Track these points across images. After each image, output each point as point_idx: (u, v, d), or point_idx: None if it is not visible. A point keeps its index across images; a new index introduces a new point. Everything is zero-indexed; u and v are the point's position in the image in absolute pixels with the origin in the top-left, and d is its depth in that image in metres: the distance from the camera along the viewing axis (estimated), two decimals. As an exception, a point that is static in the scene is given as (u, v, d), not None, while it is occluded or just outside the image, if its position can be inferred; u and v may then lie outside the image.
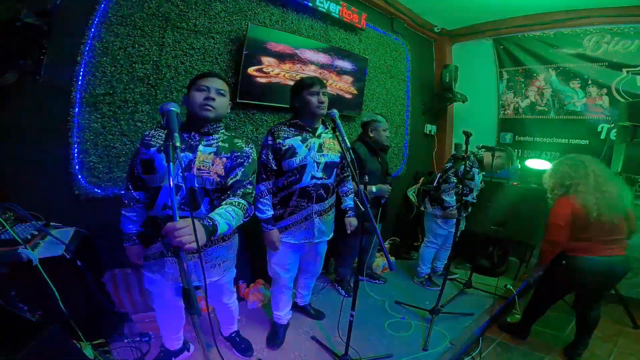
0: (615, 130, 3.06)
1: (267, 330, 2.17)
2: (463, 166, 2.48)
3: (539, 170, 3.45)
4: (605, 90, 3.38)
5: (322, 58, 2.85)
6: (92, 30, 1.85)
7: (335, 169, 1.93)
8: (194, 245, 1.00)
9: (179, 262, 0.97)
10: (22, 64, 1.59)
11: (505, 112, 4.09)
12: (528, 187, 3.28)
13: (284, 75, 2.61)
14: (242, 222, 1.33)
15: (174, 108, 1.10)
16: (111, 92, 1.96)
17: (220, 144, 1.44)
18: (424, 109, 4.32)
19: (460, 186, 2.57)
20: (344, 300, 2.19)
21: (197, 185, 1.38)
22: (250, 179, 1.44)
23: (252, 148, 1.50)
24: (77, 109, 1.86)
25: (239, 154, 1.44)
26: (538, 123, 3.86)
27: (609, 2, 3.14)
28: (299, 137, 1.81)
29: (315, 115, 1.81)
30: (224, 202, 1.33)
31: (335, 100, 2.92)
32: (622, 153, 2.59)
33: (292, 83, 2.56)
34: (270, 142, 1.79)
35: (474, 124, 3.92)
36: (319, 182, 1.84)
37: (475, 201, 2.90)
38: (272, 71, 2.54)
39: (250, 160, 1.46)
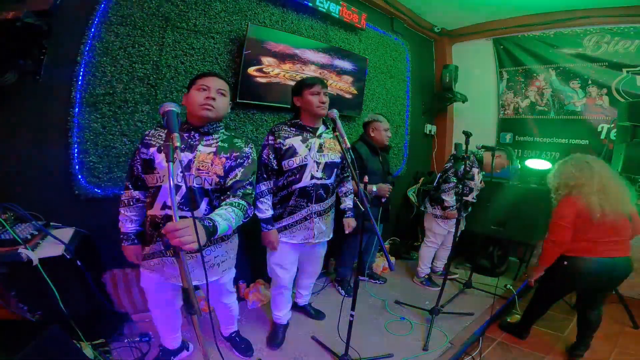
0: (615, 130, 3.06)
1: (267, 330, 2.17)
2: (463, 166, 2.48)
3: (539, 170, 3.45)
4: (605, 90, 3.38)
5: (322, 58, 2.85)
6: (92, 30, 1.85)
7: (336, 169, 1.93)
8: (193, 245, 1.00)
9: (178, 262, 0.97)
10: (22, 64, 1.60)
11: (505, 112, 4.09)
12: (528, 187, 3.28)
13: (284, 75, 2.61)
14: (241, 222, 1.33)
15: (174, 108, 1.10)
16: (111, 92, 1.96)
17: (219, 144, 1.43)
18: (424, 109, 4.32)
19: (460, 186, 2.58)
20: (344, 300, 2.18)
21: (196, 185, 1.38)
22: (250, 179, 1.44)
23: (251, 148, 1.49)
24: (77, 109, 1.86)
25: (238, 154, 1.44)
26: (538, 123, 3.86)
27: (609, 2, 3.14)
28: (300, 137, 1.81)
29: (316, 115, 1.81)
30: (224, 202, 1.32)
31: (335, 100, 2.92)
32: (622, 153, 2.59)
33: (292, 83, 2.57)
34: (271, 142, 1.79)
35: (474, 124, 3.92)
36: (318, 182, 1.84)
37: (475, 201, 2.90)
38: (272, 71, 2.54)
39: (250, 160, 1.46)
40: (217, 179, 1.39)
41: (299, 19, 2.82)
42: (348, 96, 3.15)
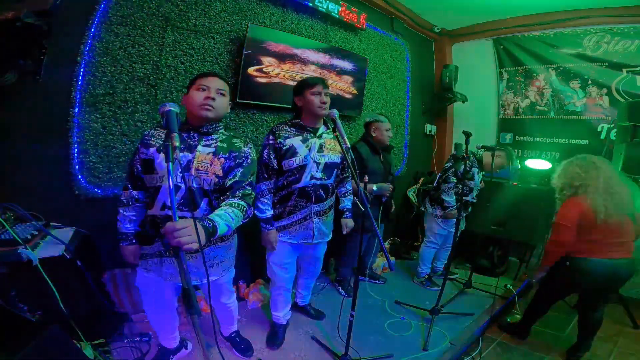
0: (615, 130, 3.06)
1: (267, 330, 2.17)
2: (463, 166, 2.48)
3: (539, 170, 3.45)
4: (605, 90, 3.38)
5: (322, 58, 2.85)
6: (92, 30, 1.85)
7: (336, 170, 1.93)
8: (192, 245, 1.00)
9: (178, 262, 0.97)
10: (22, 64, 1.59)
11: (505, 112, 4.09)
12: (528, 187, 3.28)
13: (284, 75, 2.61)
14: (241, 223, 1.32)
15: (173, 108, 1.10)
16: (111, 92, 1.96)
17: (219, 144, 1.43)
18: (424, 109, 4.32)
19: (460, 186, 2.57)
20: (344, 300, 2.18)
21: (195, 185, 1.38)
22: (250, 179, 1.43)
23: (250, 148, 1.49)
24: (77, 109, 1.86)
25: (237, 154, 1.43)
26: (538, 123, 3.86)
27: (609, 2, 3.14)
28: (300, 137, 1.81)
29: (317, 115, 1.80)
30: (223, 203, 1.32)
31: (335, 100, 2.91)
32: (622, 153, 2.59)
33: (292, 83, 2.57)
34: (271, 142, 1.79)
35: (474, 124, 3.93)
36: (318, 182, 1.84)
37: (475, 201, 2.90)
38: (272, 71, 2.54)
39: (249, 160, 1.45)
40: (216, 180, 1.39)
41: (299, 19, 2.82)
42: (348, 96, 3.15)
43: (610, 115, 3.35)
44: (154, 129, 1.46)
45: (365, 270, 2.95)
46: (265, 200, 1.81)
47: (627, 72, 3.23)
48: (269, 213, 1.82)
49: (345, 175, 2.06)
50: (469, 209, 2.95)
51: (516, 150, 3.89)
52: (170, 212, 1.23)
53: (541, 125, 3.83)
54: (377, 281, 3.05)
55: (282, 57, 2.58)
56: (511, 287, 2.92)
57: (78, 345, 1.52)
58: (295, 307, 2.43)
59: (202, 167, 1.38)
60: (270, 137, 1.80)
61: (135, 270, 1.58)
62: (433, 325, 2.26)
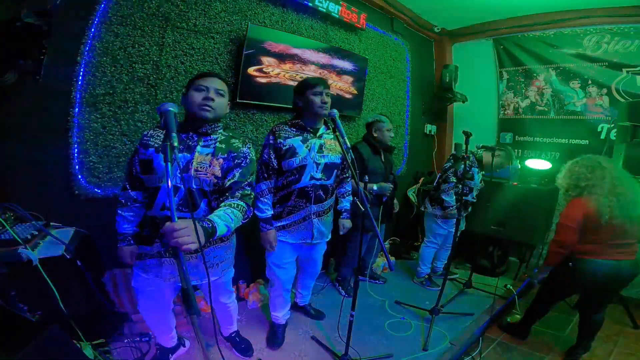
0: (615, 130, 3.06)
1: (267, 330, 2.17)
2: (463, 166, 2.48)
3: (539, 170, 3.45)
4: (605, 90, 3.38)
5: (322, 58, 2.85)
6: (92, 30, 1.85)
7: (336, 170, 1.93)
8: (191, 246, 1.00)
9: (177, 262, 0.97)
10: (22, 64, 1.59)
11: (505, 112, 4.09)
12: (528, 187, 3.28)
13: (284, 75, 2.61)
14: (240, 224, 1.32)
15: (172, 108, 1.10)
16: (111, 92, 1.96)
17: (217, 144, 1.42)
18: (424, 109, 4.32)
19: (460, 186, 2.58)
20: (344, 300, 2.18)
21: (194, 186, 1.37)
22: (249, 180, 1.43)
23: (249, 148, 1.48)
24: (77, 109, 1.86)
25: (236, 154, 1.43)
26: (538, 123, 3.86)
27: (609, 2, 3.14)
28: (300, 137, 1.81)
29: (318, 115, 1.80)
30: (223, 203, 1.31)
31: (335, 100, 2.91)
32: (622, 153, 2.59)
33: (292, 83, 2.58)
34: (271, 142, 1.79)
35: (474, 124, 3.92)
36: (317, 182, 1.84)
37: (475, 201, 2.90)
38: (272, 71, 2.54)
39: (247, 161, 1.45)
40: (215, 180, 1.39)
41: (299, 19, 2.82)
42: (348, 96, 3.15)
43: (610, 115, 3.35)
44: (152, 129, 1.46)
45: (365, 271, 2.95)
46: (265, 199, 1.81)
47: (627, 72, 3.23)
48: (269, 213, 1.82)
49: (344, 175, 2.06)
50: (469, 209, 2.95)
51: (516, 150, 3.89)
52: (169, 213, 1.23)
53: (541, 125, 3.83)
54: (377, 281, 3.05)
55: (282, 57, 2.58)
56: (511, 287, 2.92)
57: (78, 345, 1.53)
58: (295, 307, 2.43)
59: (201, 168, 1.37)
60: (271, 137, 1.80)
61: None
62: (433, 325, 2.27)
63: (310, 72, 2.76)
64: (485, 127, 4.11)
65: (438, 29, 4.17)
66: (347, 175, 2.07)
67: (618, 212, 1.82)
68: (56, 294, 1.40)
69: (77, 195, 1.91)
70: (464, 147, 2.39)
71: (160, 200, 1.39)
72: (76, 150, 1.88)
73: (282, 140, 1.78)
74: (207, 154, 1.39)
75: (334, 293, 2.80)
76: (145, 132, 1.45)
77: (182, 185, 1.33)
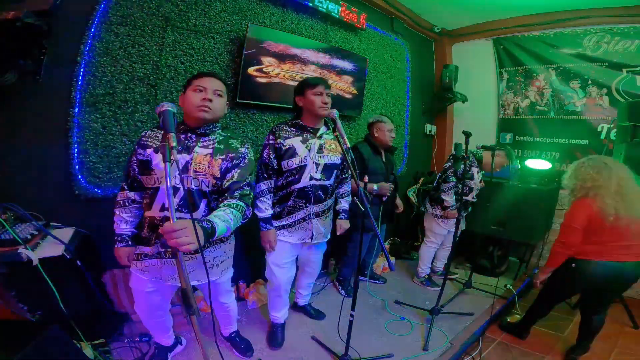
0: (615, 130, 3.06)
1: (267, 331, 2.17)
2: (462, 165, 2.48)
3: (539, 170, 3.45)
4: (605, 90, 3.38)
5: (322, 58, 2.85)
6: (92, 30, 1.85)
7: (335, 171, 1.93)
8: (191, 246, 0.99)
9: (177, 262, 0.97)
10: (22, 64, 1.60)
11: (505, 112, 4.09)
12: (528, 187, 3.28)
13: (284, 75, 2.61)
14: (240, 224, 1.32)
15: (171, 108, 1.10)
16: (111, 92, 1.96)
17: (216, 145, 1.42)
18: (424, 109, 4.32)
19: (460, 186, 2.58)
20: (344, 300, 2.18)
21: (194, 187, 1.37)
22: (248, 180, 1.43)
23: (248, 148, 1.48)
24: (77, 109, 1.86)
25: (234, 154, 1.43)
26: (538, 123, 3.86)
27: (609, 2, 3.13)
28: (300, 138, 1.81)
29: (318, 115, 1.80)
30: (222, 204, 1.31)
31: (336, 100, 2.90)
32: (622, 153, 2.59)
33: (292, 83, 2.58)
34: (271, 142, 1.79)
35: (474, 124, 3.92)
36: (317, 183, 1.83)
37: (475, 200, 2.90)
38: (272, 71, 2.54)
39: (246, 161, 1.45)
40: (214, 181, 1.39)
41: (299, 19, 2.82)
42: (348, 96, 3.15)
43: (610, 115, 3.35)
44: (150, 129, 1.45)
45: (366, 271, 2.95)
46: (265, 199, 1.81)
47: (627, 72, 3.23)
48: (269, 212, 1.82)
49: (344, 176, 2.06)
50: (469, 209, 2.95)
51: (516, 150, 3.89)
52: (169, 214, 1.23)
53: (541, 125, 3.83)
54: (377, 281, 3.05)
55: (282, 57, 2.58)
56: (511, 287, 2.92)
57: (78, 345, 1.53)
58: (295, 307, 2.43)
59: (200, 168, 1.37)
60: (271, 137, 1.80)
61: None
62: (433, 325, 2.27)
63: (310, 72, 2.76)
64: (485, 127, 4.11)
65: (438, 29, 4.17)
66: (347, 175, 2.06)
67: (624, 213, 1.80)
68: (56, 294, 1.40)
69: (77, 195, 1.91)
70: (464, 147, 2.39)
71: (160, 201, 1.39)
72: (76, 150, 1.88)
73: (282, 141, 1.78)
74: (205, 155, 1.39)
75: (334, 293, 2.80)
76: (143, 133, 1.44)
77: (181, 186, 1.33)
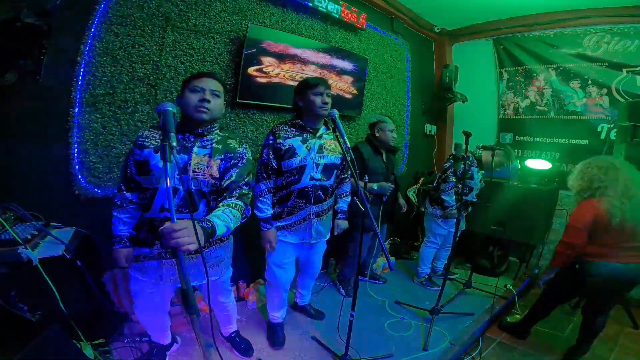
0: (615, 130, 3.06)
1: (266, 331, 2.17)
2: (462, 165, 2.48)
3: (539, 170, 3.46)
4: (605, 90, 3.38)
5: (322, 58, 2.85)
6: (92, 30, 1.85)
7: (335, 171, 1.93)
8: (191, 246, 0.99)
9: (177, 263, 0.97)
10: (22, 64, 1.59)
11: (505, 112, 4.09)
12: (528, 187, 3.28)
13: (284, 75, 2.61)
14: (239, 223, 1.32)
15: (171, 108, 1.09)
16: (111, 92, 1.96)
17: (214, 145, 1.42)
18: (424, 109, 4.32)
19: (460, 185, 2.58)
20: (344, 300, 2.19)
21: (193, 187, 1.37)
22: (246, 179, 1.43)
23: (245, 148, 1.48)
24: (77, 109, 1.86)
25: (232, 154, 1.43)
26: (538, 123, 3.85)
27: (609, 2, 3.13)
28: (300, 138, 1.81)
29: (318, 115, 1.80)
30: (221, 203, 1.31)
31: (336, 100, 2.90)
32: (622, 153, 2.59)
33: (292, 83, 2.58)
34: (271, 142, 1.79)
35: (474, 124, 3.92)
36: (317, 183, 1.83)
37: (475, 200, 2.90)
38: (272, 71, 2.54)
39: (244, 160, 1.45)
40: (213, 181, 1.39)
41: (299, 19, 2.82)
42: (348, 96, 3.14)
43: (610, 115, 3.35)
44: (147, 129, 1.45)
45: (366, 271, 2.95)
46: (265, 199, 1.81)
47: (627, 72, 3.23)
48: (269, 212, 1.82)
49: (343, 176, 2.06)
50: (469, 209, 2.95)
51: (516, 150, 3.89)
52: (169, 215, 1.24)
53: (541, 125, 3.83)
54: (377, 281, 3.05)
55: (282, 57, 2.58)
56: (511, 287, 2.92)
57: (78, 345, 1.53)
58: (295, 307, 2.43)
59: (198, 168, 1.37)
60: (270, 137, 1.80)
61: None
62: (433, 325, 2.27)
63: (310, 72, 2.76)
64: (485, 127, 4.11)
65: (438, 29, 4.17)
66: (346, 175, 2.06)
67: (629, 215, 1.78)
68: (56, 294, 1.40)
69: (77, 195, 1.91)
70: (464, 147, 2.39)
71: (159, 201, 1.38)
72: (76, 150, 1.88)
73: (281, 141, 1.78)
74: (204, 155, 1.39)
75: (334, 293, 2.80)
76: (140, 133, 1.43)
77: (180, 187, 1.33)
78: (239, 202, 1.33)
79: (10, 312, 1.30)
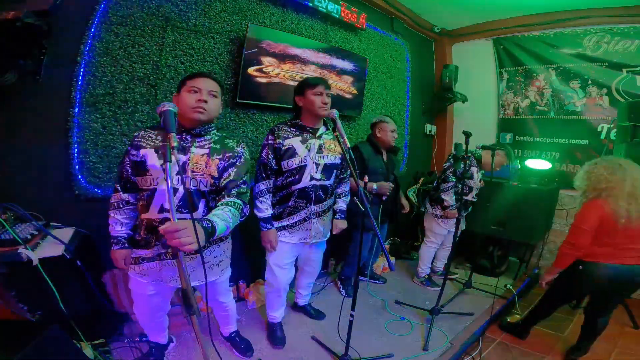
0: (615, 130, 3.06)
1: (266, 331, 2.17)
2: (462, 165, 2.48)
3: (539, 170, 3.46)
4: (605, 90, 3.38)
5: (322, 58, 2.85)
6: (92, 30, 1.85)
7: (335, 171, 1.93)
8: (192, 246, 0.99)
9: (177, 262, 0.97)
10: (22, 64, 1.60)
11: (505, 112, 4.09)
12: (528, 187, 3.28)
13: (284, 75, 2.61)
14: (238, 222, 1.32)
15: (172, 108, 1.10)
16: (111, 92, 1.96)
17: (212, 145, 1.42)
18: (424, 109, 4.32)
19: (460, 185, 2.58)
20: (344, 300, 2.18)
21: (192, 187, 1.37)
22: (244, 178, 1.43)
23: (243, 148, 1.49)
24: (77, 109, 1.86)
25: (230, 154, 1.43)
26: (538, 123, 3.86)
27: (609, 2, 3.13)
28: (300, 138, 1.81)
29: (318, 115, 1.80)
30: (220, 203, 1.31)
31: (335, 100, 2.91)
32: (622, 153, 2.59)
33: (292, 83, 2.57)
34: (270, 142, 1.79)
35: (474, 124, 3.92)
36: (317, 183, 1.83)
37: (475, 200, 2.90)
38: (272, 71, 2.54)
39: (242, 160, 1.45)
40: (212, 181, 1.39)
41: (299, 19, 2.82)
42: (348, 96, 3.14)
43: (610, 115, 3.35)
44: (144, 130, 1.44)
45: (366, 270, 2.95)
46: (264, 199, 1.81)
47: (627, 72, 3.23)
48: (268, 212, 1.82)
49: (342, 176, 2.06)
50: (469, 209, 2.95)
51: (516, 150, 3.89)
52: (169, 215, 1.24)
53: (541, 125, 3.83)
54: (377, 281, 3.05)
55: (282, 57, 2.58)
56: (511, 287, 2.92)
57: (78, 345, 1.53)
58: (295, 307, 2.43)
59: (197, 168, 1.37)
60: (270, 137, 1.80)
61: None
62: (433, 325, 2.27)
63: (310, 72, 2.76)
64: (485, 127, 4.11)
65: (438, 29, 4.17)
66: (346, 175, 2.06)
67: (636, 216, 1.77)
68: (56, 294, 1.40)
69: (77, 195, 1.91)
70: (463, 147, 2.39)
71: (158, 202, 1.38)
72: (76, 150, 1.88)
73: (281, 141, 1.78)
74: (202, 155, 1.39)
75: (334, 293, 2.80)
76: (136, 133, 1.43)
77: (180, 187, 1.33)
78: (238, 201, 1.33)
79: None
